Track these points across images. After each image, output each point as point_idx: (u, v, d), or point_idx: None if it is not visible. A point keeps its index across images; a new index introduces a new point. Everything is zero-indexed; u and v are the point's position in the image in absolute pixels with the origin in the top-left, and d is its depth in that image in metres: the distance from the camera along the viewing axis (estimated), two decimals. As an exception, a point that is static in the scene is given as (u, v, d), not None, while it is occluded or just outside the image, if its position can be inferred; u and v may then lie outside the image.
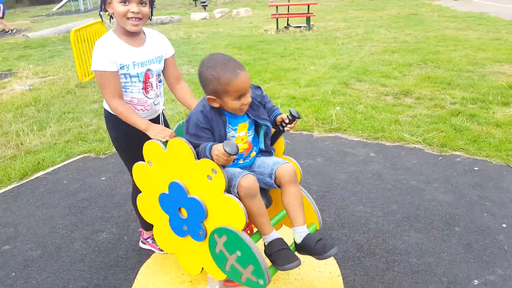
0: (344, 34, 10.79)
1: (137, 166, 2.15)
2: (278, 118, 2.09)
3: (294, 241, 2.02)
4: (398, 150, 3.89)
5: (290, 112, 2.03)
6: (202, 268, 2.14)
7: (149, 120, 2.26)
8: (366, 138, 4.20)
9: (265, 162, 2.07)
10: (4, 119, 5.16)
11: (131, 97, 2.24)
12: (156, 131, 2.10)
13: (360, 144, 4.08)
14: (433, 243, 2.53)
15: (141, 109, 2.28)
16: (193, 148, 1.84)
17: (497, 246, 2.48)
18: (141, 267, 2.50)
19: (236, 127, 1.99)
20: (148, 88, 2.28)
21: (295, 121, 2.07)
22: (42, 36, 12.74)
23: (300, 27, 11.94)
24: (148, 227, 2.59)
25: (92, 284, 2.38)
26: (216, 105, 1.89)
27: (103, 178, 3.64)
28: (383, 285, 2.22)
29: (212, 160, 1.77)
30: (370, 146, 4.01)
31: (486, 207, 2.87)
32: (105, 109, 2.34)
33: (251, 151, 2.08)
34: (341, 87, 5.96)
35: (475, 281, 2.21)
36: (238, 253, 1.86)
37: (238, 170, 1.93)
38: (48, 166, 3.89)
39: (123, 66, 2.16)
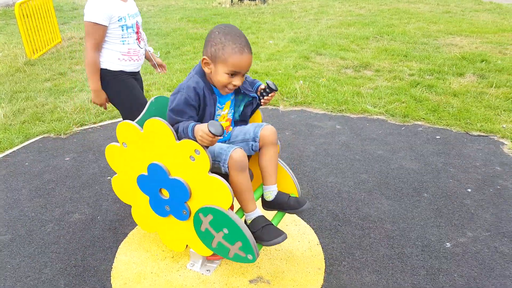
0: (299, 7, 10.80)
1: (110, 147, 2.09)
2: (259, 89, 2.09)
3: (264, 199, 2.11)
4: (362, 121, 4.01)
5: (268, 84, 2.02)
6: (187, 245, 2.15)
7: (135, 72, 2.70)
8: (331, 111, 4.29)
9: (244, 129, 2.08)
10: None
11: (128, 49, 2.57)
12: (94, 96, 2.59)
13: (326, 116, 4.16)
14: (405, 209, 2.67)
15: (136, 59, 2.64)
16: (173, 129, 1.80)
17: (465, 210, 2.65)
18: (119, 246, 2.45)
19: (223, 106, 1.98)
20: (139, 38, 2.64)
21: (273, 94, 2.06)
22: (-23, 10, 11.71)
23: (255, 0, 11.78)
24: None
25: (70, 266, 2.31)
26: (207, 70, 1.86)
27: (67, 159, 3.49)
28: (361, 251, 2.33)
29: (195, 140, 1.74)
30: (336, 119, 4.10)
31: (451, 173, 3.05)
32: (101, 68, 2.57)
33: (230, 127, 2.10)
34: (302, 61, 6.00)
35: (447, 243, 2.36)
36: (225, 230, 1.87)
37: (225, 145, 1.92)
38: (6, 148, 3.66)
39: (121, 18, 2.47)
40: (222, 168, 1.86)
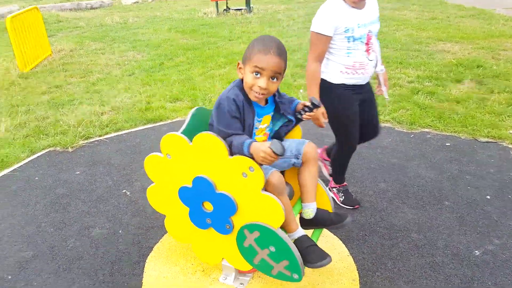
0: (286, 16, 10.85)
1: (152, 157, 2.03)
2: (299, 106, 2.07)
3: (302, 217, 2.09)
4: (370, 129, 4.06)
5: (311, 101, 2.03)
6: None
7: (360, 84, 2.48)
8: (337, 119, 4.31)
9: (285, 144, 2.06)
10: None
11: (354, 61, 2.37)
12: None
13: (333, 125, 4.19)
14: (428, 218, 2.70)
15: (362, 72, 2.42)
16: (226, 144, 1.77)
17: (487, 217, 2.70)
18: (147, 260, 2.41)
19: (261, 119, 1.97)
20: (370, 50, 2.39)
21: (316, 110, 2.06)
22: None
23: (240, 9, 11.79)
24: (339, 181, 2.89)
25: (99, 281, 2.26)
26: (240, 75, 1.89)
27: (78, 172, 3.41)
28: (392, 261, 2.34)
29: (249, 156, 1.72)
30: (343, 127, 4.13)
31: (468, 181, 3.11)
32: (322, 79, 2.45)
33: None
34: (298, 70, 6.03)
35: (476, 251, 2.40)
36: (272, 248, 1.86)
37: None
38: (13, 163, 3.56)
39: (348, 30, 2.29)
40: None
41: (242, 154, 1.74)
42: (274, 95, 1.98)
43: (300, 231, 1.97)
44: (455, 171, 3.24)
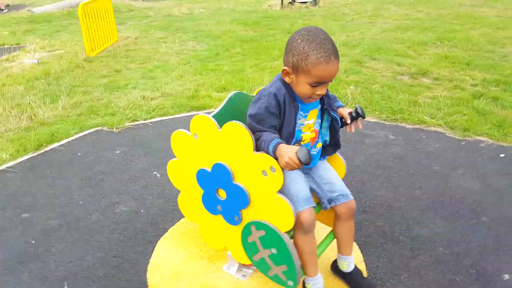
0: (352, 10, 10.52)
1: (178, 133, 2.05)
2: (344, 112, 1.96)
3: (339, 268, 2.06)
4: (418, 133, 3.80)
5: (356, 109, 1.90)
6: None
7: None
8: (384, 120, 4.10)
9: (331, 183, 1.96)
10: (16, 92, 5.06)
11: None
12: None
13: (378, 125, 3.98)
14: (460, 232, 2.48)
15: None
16: (254, 138, 1.71)
17: (528, 239, 2.42)
18: (159, 241, 2.47)
19: (306, 114, 1.84)
20: None
21: (359, 120, 1.94)
22: (47, 11, 12.52)
23: (306, 2, 11.61)
24: None
25: (110, 256, 2.36)
26: (287, 80, 1.74)
27: (118, 152, 3.58)
28: (408, 274, 2.18)
29: (273, 156, 1.65)
30: (389, 128, 3.91)
31: (515, 197, 2.80)
32: None
33: (317, 142, 1.95)
34: (354, 65, 5.81)
35: (506, 275, 2.15)
36: (274, 250, 1.82)
37: (301, 189, 1.81)
38: (62, 138, 3.82)
39: None
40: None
41: (267, 152, 1.67)
42: None
43: (317, 280, 1.90)
44: (503, 185, 2.93)
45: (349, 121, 1.94)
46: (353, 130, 1.97)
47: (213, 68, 5.91)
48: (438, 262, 2.25)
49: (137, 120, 4.22)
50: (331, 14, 9.97)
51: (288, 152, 1.58)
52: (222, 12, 11.09)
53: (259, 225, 1.82)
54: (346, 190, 1.96)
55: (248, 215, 1.88)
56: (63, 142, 3.77)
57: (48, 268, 2.28)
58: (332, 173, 2.02)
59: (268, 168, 1.68)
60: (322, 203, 1.99)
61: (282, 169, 1.65)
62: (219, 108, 2.05)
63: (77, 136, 3.88)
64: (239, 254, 2.03)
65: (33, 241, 2.50)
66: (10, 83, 5.37)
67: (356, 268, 2.05)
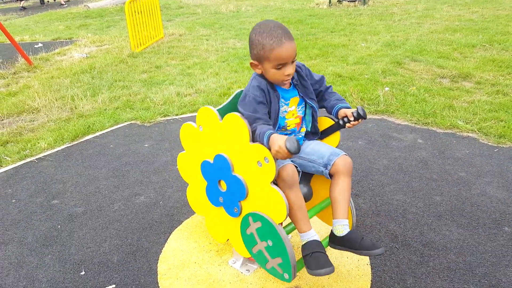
0: (402, 9, 10.21)
1: (186, 125, 2.14)
2: (341, 112, 2.00)
3: (333, 233, 1.95)
4: (449, 138, 3.66)
5: (357, 110, 1.93)
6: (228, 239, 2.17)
7: None
8: (415, 123, 3.98)
9: (318, 150, 2.03)
10: (62, 84, 5.42)
11: None
12: None
13: (407, 128, 3.88)
14: (477, 241, 2.38)
15: None
16: (250, 129, 1.77)
17: (548, 252, 2.28)
18: (172, 232, 2.58)
19: (288, 102, 1.96)
20: None
21: (360, 120, 1.96)
22: (101, 7, 13.19)
23: (354, 1, 11.40)
24: None
25: (126, 244, 2.49)
26: (258, 71, 1.90)
27: (146, 145, 3.74)
28: (414, 279, 2.13)
29: (267, 147, 1.71)
30: (419, 132, 3.80)
31: (540, 208, 2.64)
32: None
33: (301, 126, 2.07)
34: (392, 66, 5.67)
35: (519, 287, 2.06)
36: (270, 242, 1.85)
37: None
38: (97, 130, 4.06)
39: None
40: None
41: (262, 144, 1.74)
42: (292, 78, 1.97)
43: (311, 234, 1.88)
44: (531, 195, 2.77)
45: (352, 119, 1.95)
46: (351, 127, 2.03)
47: (248, 66, 5.99)
48: (449, 269, 2.18)
49: (168, 116, 4.38)
50: (378, 14, 9.76)
51: (278, 141, 1.66)
52: (268, 10, 11.17)
53: (256, 217, 1.86)
54: (335, 149, 2.01)
55: (247, 206, 1.92)
56: (97, 134, 4.00)
57: (68, 252, 2.45)
58: (315, 143, 2.09)
59: (262, 158, 1.72)
60: (321, 173, 2.00)
61: (275, 158, 1.70)
62: (225, 102, 2.12)
63: (111, 128, 4.10)
64: (240, 247, 2.07)
65: (58, 226, 2.69)
66: (58, 76, 5.75)
67: (352, 230, 1.94)
